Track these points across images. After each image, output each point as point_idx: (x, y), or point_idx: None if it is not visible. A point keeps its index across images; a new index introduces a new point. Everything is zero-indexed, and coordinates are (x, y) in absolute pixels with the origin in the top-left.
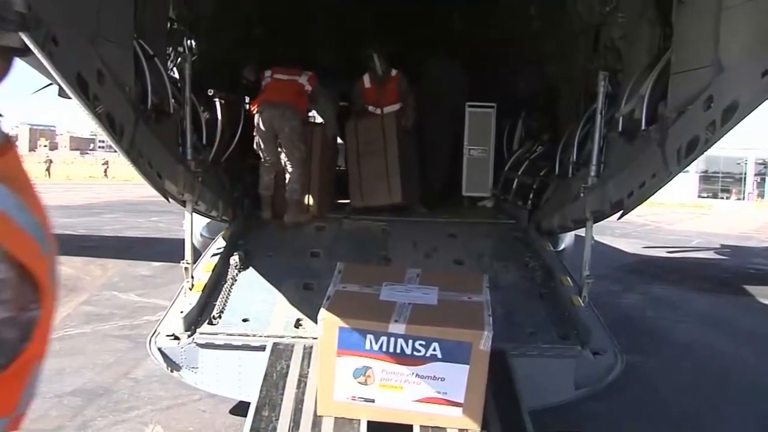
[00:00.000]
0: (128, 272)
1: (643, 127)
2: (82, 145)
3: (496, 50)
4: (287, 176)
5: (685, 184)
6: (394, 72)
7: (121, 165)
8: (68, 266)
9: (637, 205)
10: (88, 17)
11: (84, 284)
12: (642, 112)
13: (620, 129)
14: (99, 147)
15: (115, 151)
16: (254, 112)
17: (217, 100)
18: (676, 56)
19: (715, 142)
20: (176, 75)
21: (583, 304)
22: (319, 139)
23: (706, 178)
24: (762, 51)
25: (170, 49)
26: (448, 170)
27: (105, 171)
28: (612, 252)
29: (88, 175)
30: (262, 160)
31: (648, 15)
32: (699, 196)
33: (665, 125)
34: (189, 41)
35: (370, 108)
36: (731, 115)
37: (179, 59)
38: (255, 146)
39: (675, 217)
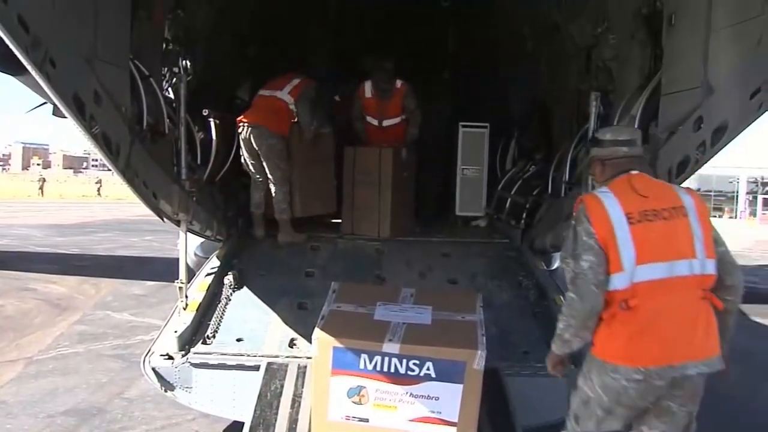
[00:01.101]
0: (122, 291)
1: None
2: (75, 164)
3: (490, 70)
4: (273, 195)
5: None
6: (399, 83)
7: (115, 184)
8: (61, 285)
9: None
10: (85, 39)
11: (77, 303)
12: None
13: None
14: (92, 165)
15: (109, 170)
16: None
17: (211, 119)
18: (667, 77)
19: (706, 163)
20: (171, 95)
21: None
22: (296, 145)
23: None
24: (750, 73)
25: (165, 69)
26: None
27: (98, 190)
28: None
29: (81, 194)
30: (252, 179)
31: (639, 36)
32: None
33: (656, 145)
34: (184, 62)
35: (369, 119)
36: (721, 135)
37: (174, 79)
38: (243, 165)
39: None
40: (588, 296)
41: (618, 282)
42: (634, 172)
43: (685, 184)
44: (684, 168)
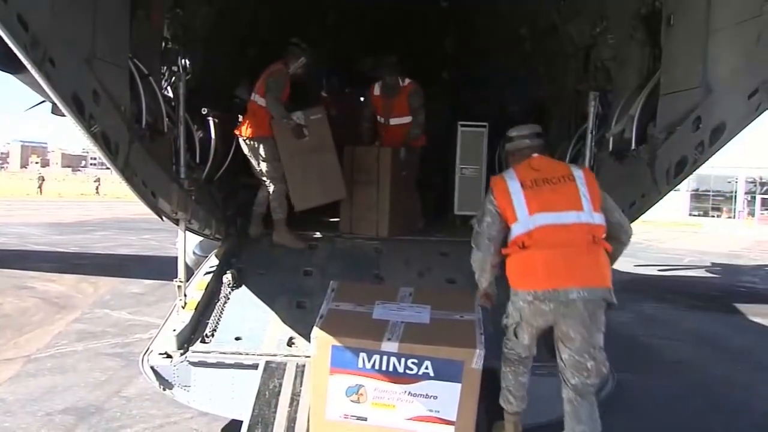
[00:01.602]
0: (120, 290)
1: (633, 147)
2: (73, 162)
3: (488, 70)
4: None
5: (676, 202)
6: (406, 81)
7: (113, 182)
8: (60, 284)
9: None
10: (85, 38)
11: (76, 302)
12: (632, 133)
13: (611, 149)
14: (91, 164)
15: (107, 168)
16: None
17: (210, 118)
18: (665, 77)
19: (704, 163)
20: (170, 94)
21: None
22: (282, 141)
23: (697, 196)
24: (748, 73)
25: (165, 68)
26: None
27: (97, 188)
28: None
29: (79, 192)
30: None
31: (638, 36)
32: (690, 215)
33: (654, 145)
34: (183, 60)
35: (378, 118)
36: (719, 135)
37: (173, 78)
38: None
39: (666, 236)
40: (482, 247)
41: (516, 229)
42: (534, 155)
43: (684, 183)
44: (682, 168)
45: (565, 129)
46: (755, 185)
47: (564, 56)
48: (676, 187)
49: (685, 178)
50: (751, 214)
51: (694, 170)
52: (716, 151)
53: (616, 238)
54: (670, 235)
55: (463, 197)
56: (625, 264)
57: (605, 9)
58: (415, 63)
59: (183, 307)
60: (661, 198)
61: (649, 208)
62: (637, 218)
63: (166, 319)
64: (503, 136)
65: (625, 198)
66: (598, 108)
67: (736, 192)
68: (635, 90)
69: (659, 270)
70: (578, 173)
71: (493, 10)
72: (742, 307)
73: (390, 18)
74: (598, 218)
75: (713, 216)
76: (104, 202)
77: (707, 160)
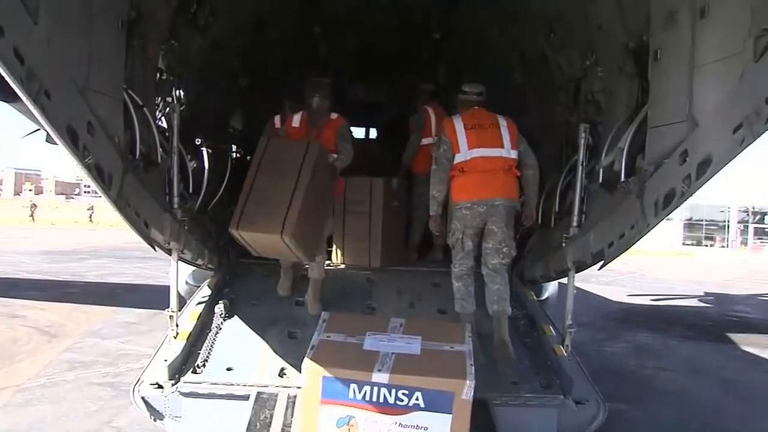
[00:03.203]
0: (112, 319)
1: (622, 178)
2: (67, 190)
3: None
4: None
5: (669, 231)
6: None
7: (107, 210)
8: (51, 312)
9: (617, 256)
10: (80, 69)
11: (67, 331)
12: (621, 165)
13: (601, 180)
14: (85, 192)
15: (101, 196)
16: None
17: (204, 148)
18: (653, 111)
19: (691, 195)
20: (164, 124)
21: (566, 354)
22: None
23: (690, 225)
24: (733, 108)
25: (159, 99)
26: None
27: (90, 216)
28: (596, 300)
29: (73, 220)
30: None
31: (626, 70)
32: (683, 244)
33: (643, 178)
34: (177, 91)
35: None
36: (706, 168)
37: (167, 109)
38: None
39: (659, 265)
40: (442, 164)
41: (458, 158)
42: (476, 107)
43: (676, 212)
44: (670, 200)
45: (555, 160)
46: (748, 214)
47: (554, 87)
48: (669, 217)
49: (673, 210)
50: (744, 243)
51: (682, 203)
52: (703, 184)
53: (525, 164)
54: (663, 265)
55: None
56: (618, 293)
57: (594, 42)
58: (405, 93)
59: (175, 337)
60: (650, 229)
61: (639, 239)
62: (626, 249)
63: (158, 349)
64: None
65: (614, 229)
66: (588, 139)
67: (729, 221)
68: (624, 122)
69: (652, 299)
70: (503, 122)
71: (484, 40)
72: (735, 336)
73: (380, 50)
74: (514, 154)
75: (706, 245)
76: (97, 230)
77: (694, 192)
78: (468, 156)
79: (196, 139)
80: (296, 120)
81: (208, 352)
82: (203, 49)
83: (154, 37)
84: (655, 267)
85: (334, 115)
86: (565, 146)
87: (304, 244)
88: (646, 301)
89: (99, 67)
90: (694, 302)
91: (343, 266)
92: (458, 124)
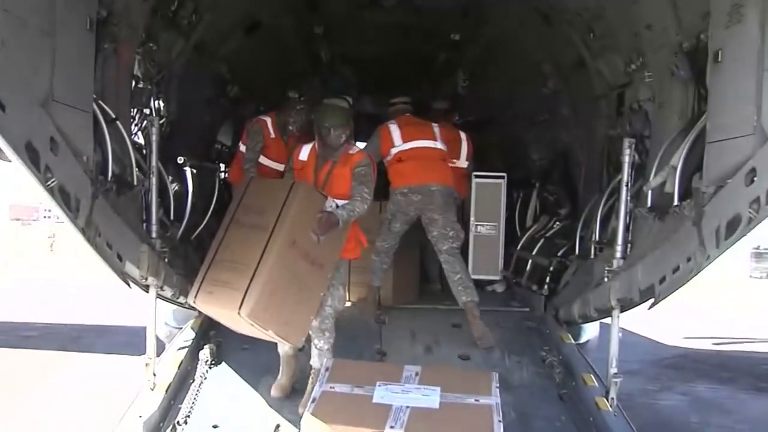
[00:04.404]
0: (78, 367)
1: (675, 202)
2: (23, 214)
3: (506, 113)
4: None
5: (734, 262)
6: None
7: (71, 238)
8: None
9: (671, 293)
10: (41, 78)
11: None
12: (674, 186)
13: (649, 204)
14: (44, 217)
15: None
16: None
17: (187, 168)
18: (712, 122)
19: (760, 222)
20: (141, 140)
21: (611, 408)
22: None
23: (758, 254)
24: None
25: (135, 111)
26: None
27: (51, 245)
28: (646, 343)
29: (28, 249)
30: None
31: (680, 74)
32: (751, 276)
33: (701, 201)
34: (156, 102)
35: None
36: None
37: (145, 122)
38: None
39: (722, 302)
40: (370, 150)
41: (394, 150)
42: (407, 114)
43: (741, 241)
44: (735, 228)
45: (595, 180)
46: None
47: (594, 96)
48: (734, 246)
49: (739, 239)
50: None
51: (749, 231)
52: None
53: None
54: (726, 301)
55: (479, 258)
56: (672, 335)
57: (641, 43)
58: (423, 106)
59: (152, 389)
60: (711, 262)
61: (696, 273)
62: (681, 285)
63: (131, 404)
64: (525, 188)
65: (666, 261)
66: (634, 156)
67: None
68: (677, 136)
69: (714, 343)
70: (435, 125)
71: (511, 44)
72: None
73: (391, 55)
74: (444, 147)
75: None
76: (60, 262)
77: (765, 218)
78: (404, 147)
79: (178, 158)
80: (305, 152)
81: (191, 406)
82: (185, 53)
83: (128, 39)
84: (717, 304)
85: (353, 149)
86: (606, 164)
87: (277, 323)
88: (706, 344)
89: (64, 75)
90: (765, 347)
91: (348, 304)
92: (393, 126)
